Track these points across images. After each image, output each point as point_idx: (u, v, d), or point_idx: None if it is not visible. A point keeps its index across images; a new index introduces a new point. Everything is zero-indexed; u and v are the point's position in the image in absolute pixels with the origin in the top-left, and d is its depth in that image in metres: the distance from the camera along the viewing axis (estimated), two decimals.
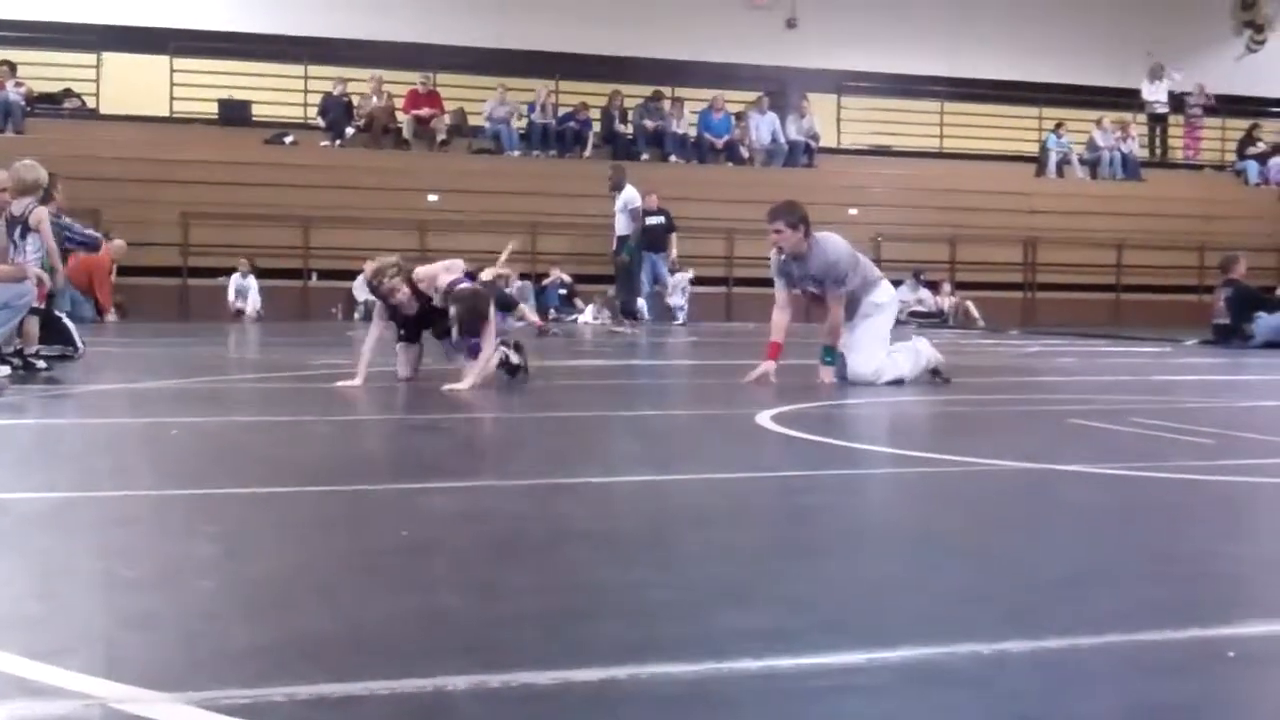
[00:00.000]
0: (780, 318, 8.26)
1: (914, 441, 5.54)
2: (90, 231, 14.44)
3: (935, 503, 4.30)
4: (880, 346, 8.20)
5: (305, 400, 7.00)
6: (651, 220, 19.38)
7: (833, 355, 8.08)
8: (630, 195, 16.87)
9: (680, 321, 19.32)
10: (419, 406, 6.73)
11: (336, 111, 21.37)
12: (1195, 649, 2.48)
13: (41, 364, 8.44)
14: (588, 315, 18.50)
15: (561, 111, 22.46)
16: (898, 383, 8.02)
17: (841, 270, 8.10)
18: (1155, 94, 25.68)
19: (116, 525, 3.65)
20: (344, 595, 2.82)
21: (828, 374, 8.04)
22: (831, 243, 8.21)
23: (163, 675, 2.19)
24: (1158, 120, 26.22)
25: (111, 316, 16.35)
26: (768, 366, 8.03)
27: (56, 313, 9.63)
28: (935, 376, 8.27)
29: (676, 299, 19.75)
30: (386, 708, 2.07)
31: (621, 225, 16.99)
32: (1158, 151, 26.28)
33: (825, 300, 8.16)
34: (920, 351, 8.37)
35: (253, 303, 18.27)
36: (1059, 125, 24.70)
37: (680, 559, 3.28)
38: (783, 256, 8.19)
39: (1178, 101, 26.12)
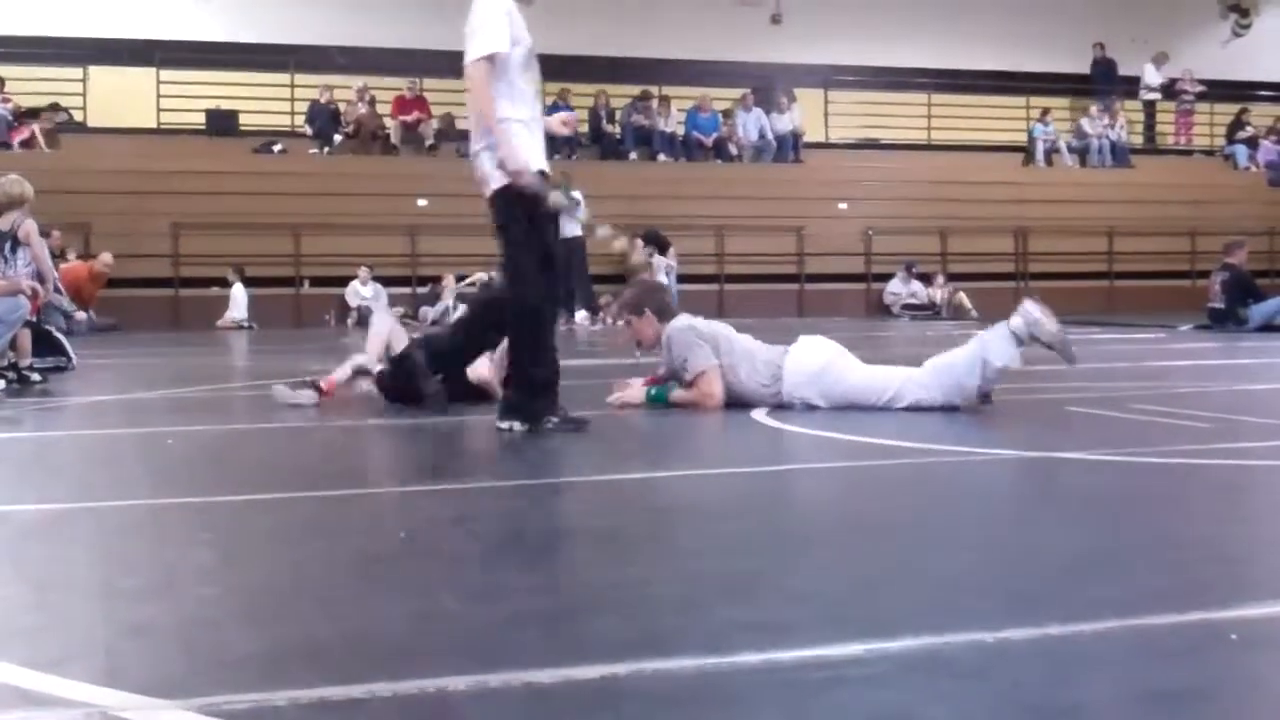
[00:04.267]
0: None
1: (911, 433, 5.53)
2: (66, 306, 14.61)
3: (934, 493, 4.30)
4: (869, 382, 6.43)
5: (300, 407, 6.98)
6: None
7: (662, 395, 6.62)
8: (575, 197, 17.74)
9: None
10: (412, 411, 6.72)
11: (324, 119, 21.34)
12: (1198, 633, 2.48)
13: (36, 377, 8.43)
14: (580, 317, 18.47)
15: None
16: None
17: (682, 356, 6.56)
18: (1157, 80, 25.80)
19: (114, 535, 3.65)
20: (343, 599, 2.82)
21: (635, 393, 6.69)
22: (674, 330, 6.67)
23: (163, 682, 2.18)
24: (1151, 106, 26.30)
25: (84, 316, 15.96)
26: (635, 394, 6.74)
27: (47, 325, 9.63)
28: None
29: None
30: (388, 709, 2.06)
31: (570, 227, 17.65)
32: (1154, 138, 26.34)
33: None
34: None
35: (239, 310, 18.17)
36: (1045, 113, 24.71)
37: (679, 554, 3.28)
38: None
39: (1169, 88, 26.15)
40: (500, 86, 5.55)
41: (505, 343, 7.13)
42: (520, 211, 5.62)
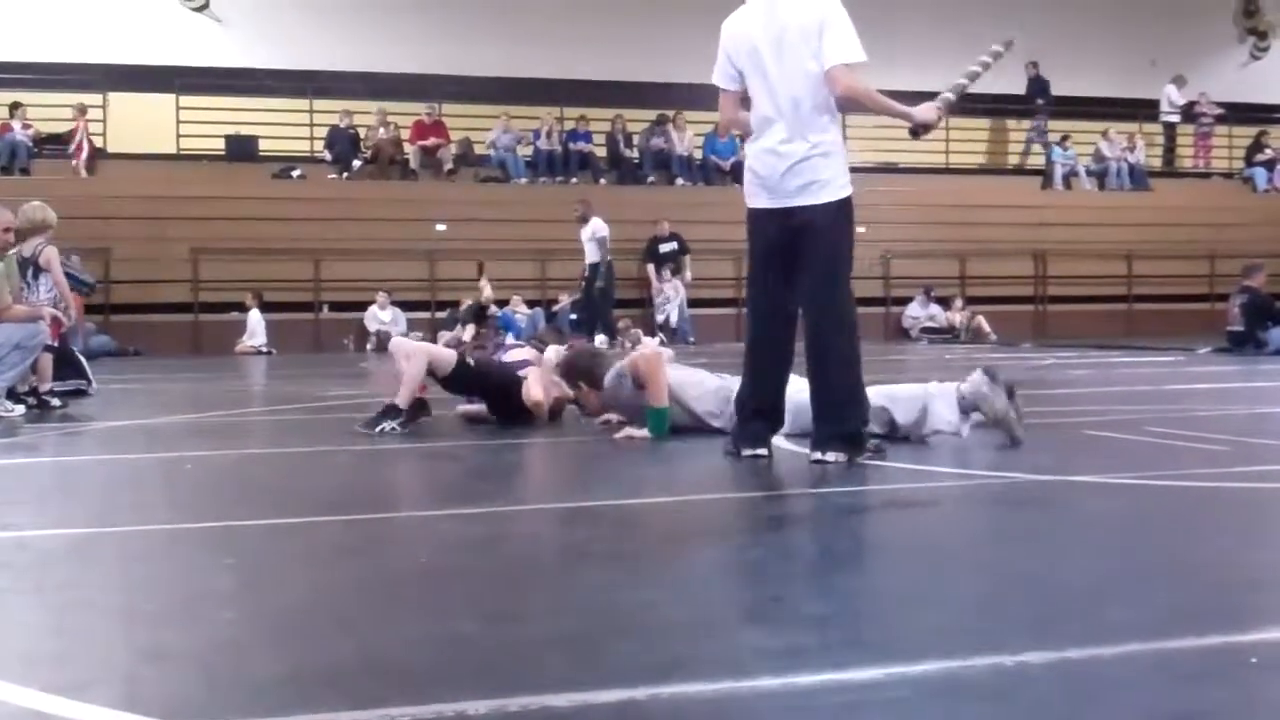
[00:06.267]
0: None
1: (925, 456, 5.52)
2: (85, 277, 14.67)
3: (950, 516, 4.29)
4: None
5: (320, 431, 7.01)
6: (665, 247, 19.89)
7: (659, 423, 6.34)
8: (597, 225, 18.28)
9: (690, 340, 19.34)
10: (431, 435, 6.73)
11: (343, 144, 21.43)
12: (1217, 656, 2.48)
13: (56, 401, 8.47)
14: (598, 341, 18.49)
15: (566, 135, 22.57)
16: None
17: (616, 386, 6.64)
18: (1180, 100, 25.80)
19: (135, 559, 3.66)
20: (363, 623, 2.83)
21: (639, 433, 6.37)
22: (609, 386, 6.72)
23: (184, 707, 2.19)
24: (1171, 129, 26.27)
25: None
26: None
27: (70, 349, 9.68)
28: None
29: (674, 315, 19.93)
30: None
31: (592, 253, 18.27)
32: (1173, 160, 26.28)
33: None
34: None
35: (258, 336, 18.23)
36: (1065, 138, 24.68)
37: (696, 578, 3.28)
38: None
39: (1187, 111, 26.11)
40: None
41: (558, 361, 7.12)
42: (851, 223, 5.63)
